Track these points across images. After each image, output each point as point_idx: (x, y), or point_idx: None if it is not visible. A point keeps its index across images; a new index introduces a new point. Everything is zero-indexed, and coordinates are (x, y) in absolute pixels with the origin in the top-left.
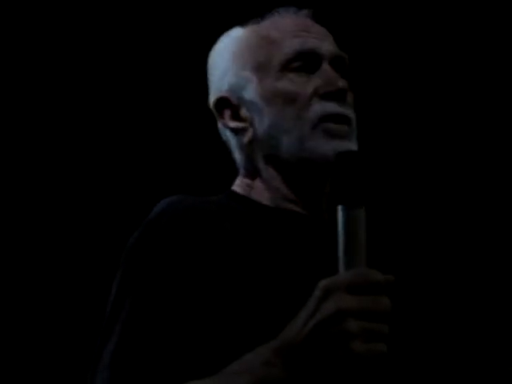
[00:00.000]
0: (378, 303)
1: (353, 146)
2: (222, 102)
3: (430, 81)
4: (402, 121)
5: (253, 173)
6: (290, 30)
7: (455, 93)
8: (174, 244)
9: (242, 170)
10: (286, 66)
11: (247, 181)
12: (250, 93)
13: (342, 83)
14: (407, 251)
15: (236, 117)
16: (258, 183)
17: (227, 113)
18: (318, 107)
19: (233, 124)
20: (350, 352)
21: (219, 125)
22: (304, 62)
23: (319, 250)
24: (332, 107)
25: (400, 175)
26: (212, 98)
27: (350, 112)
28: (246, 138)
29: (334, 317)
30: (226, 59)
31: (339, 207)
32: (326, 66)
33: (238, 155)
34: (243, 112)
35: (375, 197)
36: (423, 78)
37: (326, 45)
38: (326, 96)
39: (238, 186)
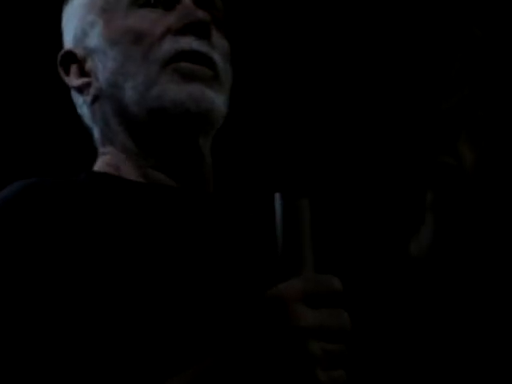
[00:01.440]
0: (338, 318)
1: (212, 93)
2: (67, 58)
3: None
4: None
5: (109, 143)
6: None
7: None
8: (37, 230)
9: (99, 146)
10: (137, 1)
11: (107, 157)
12: (95, 38)
13: (202, 15)
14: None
15: (82, 73)
16: (118, 156)
17: (73, 70)
18: (170, 44)
19: (77, 81)
20: (315, 382)
21: (71, 92)
22: None
23: (201, 228)
24: (187, 42)
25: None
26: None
27: (213, 52)
28: (90, 95)
29: (294, 337)
30: (73, 10)
31: (277, 195)
32: (186, 1)
33: (90, 124)
34: (88, 64)
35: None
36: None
37: None
38: (181, 31)
39: (99, 165)
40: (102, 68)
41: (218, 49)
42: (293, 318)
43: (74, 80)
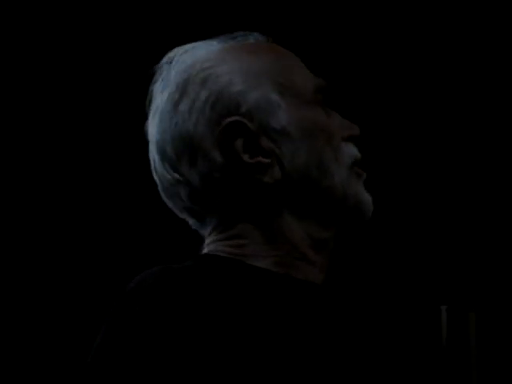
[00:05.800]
0: None
1: None
2: (235, 129)
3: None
4: None
5: (258, 226)
6: (292, 57)
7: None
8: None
9: (236, 225)
10: (314, 97)
11: (242, 239)
12: (282, 121)
13: (359, 131)
14: None
15: (252, 148)
16: (260, 240)
17: (239, 143)
18: (349, 150)
19: (251, 159)
20: None
21: (214, 161)
22: (322, 96)
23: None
24: (358, 152)
25: None
26: (218, 121)
27: None
28: (270, 177)
29: None
30: (239, 77)
31: (443, 308)
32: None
33: (239, 202)
34: (264, 143)
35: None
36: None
37: None
38: (350, 139)
39: (223, 247)
40: (290, 155)
41: None
42: None
43: (243, 155)
